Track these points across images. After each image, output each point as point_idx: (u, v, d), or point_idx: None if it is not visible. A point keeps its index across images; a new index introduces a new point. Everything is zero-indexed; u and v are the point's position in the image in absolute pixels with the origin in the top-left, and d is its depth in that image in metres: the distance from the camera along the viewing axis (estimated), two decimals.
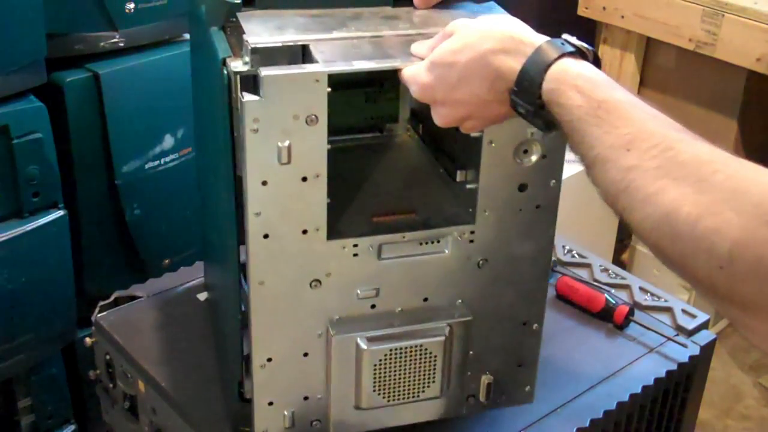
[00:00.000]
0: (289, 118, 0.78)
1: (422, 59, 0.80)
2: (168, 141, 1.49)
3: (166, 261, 1.54)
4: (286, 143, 0.78)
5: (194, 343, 1.13)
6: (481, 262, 0.90)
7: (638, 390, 1.08)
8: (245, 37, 0.82)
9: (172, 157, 1.50)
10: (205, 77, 0.93)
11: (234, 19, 0.88)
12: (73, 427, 1.51)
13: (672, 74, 2.22)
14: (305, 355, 0.88)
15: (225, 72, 0.81)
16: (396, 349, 0.88)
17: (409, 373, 0.89)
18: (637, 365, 1.14)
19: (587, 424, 1.03)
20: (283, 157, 0.79)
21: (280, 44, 0.83)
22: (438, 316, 0.90)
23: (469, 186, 0.88)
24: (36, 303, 1.35)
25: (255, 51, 0.81)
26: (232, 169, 0.85)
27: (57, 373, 1.45)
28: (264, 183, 0.80)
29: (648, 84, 2.26)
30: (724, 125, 2.12)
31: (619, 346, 1.18)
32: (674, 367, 1.13)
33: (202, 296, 1.22)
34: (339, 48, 0.84)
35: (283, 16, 0.89)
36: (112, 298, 1.21)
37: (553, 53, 0.71)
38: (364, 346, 0.87)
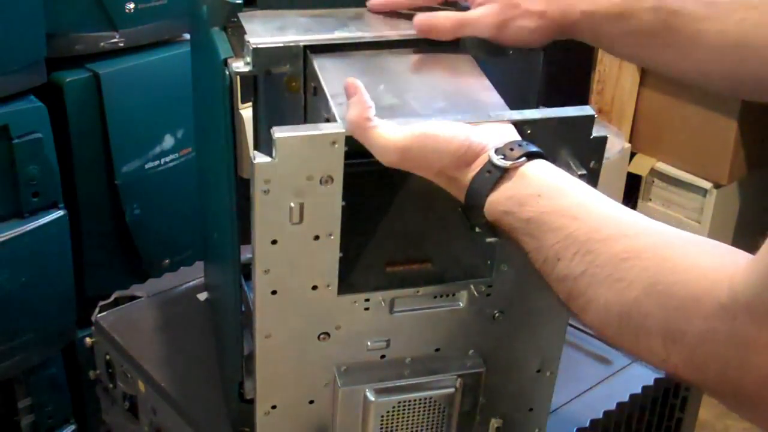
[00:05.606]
0: (302, 179, 0.73)
1: None
2: (168, 141, 1.49)
3: (166, 261, 1.54)
4: (299, 203, 0.74)
5: (194, 343, 1.13)
6: (497, 314, 0.86)
7: (638, 390, 1.08)
8: (246, 37, 0.82)
9: (172, 157, 1.50)
10: (206, 77, 0.93)
11: (235, 19, 0.88)
12: (73, 427, 1.51)
13: None
14: (311, 402, 0.86)
15: (226, 72, 0.81)
16: (404, 401, 0.85)
17: (418, 424, 0.86)
18: (637, 365, 1.13)
19: (587, 424, 1.03)
20: (295, 217, 0.74)
21: (282, 45, 0.83)
22: (449, 366, 0.86)
23: (488, 240, 0.81)
24: (36, 303, 1.35)
25: (256, 51, 0.81)
26: (232, 169, 0.84)
27: (57, 373, 1.46)
28: (274, 242, 0.75)
29: (648, 84, 2.26)
30: (724, 125, 2.12)
31: None
32: None
33: (202, 296, 1.22)
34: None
35: (284, 17, 0.88)
36: (112, 298, 1.21)
37: (487, 185, 0.70)
38: (371, 398, 0.84)
